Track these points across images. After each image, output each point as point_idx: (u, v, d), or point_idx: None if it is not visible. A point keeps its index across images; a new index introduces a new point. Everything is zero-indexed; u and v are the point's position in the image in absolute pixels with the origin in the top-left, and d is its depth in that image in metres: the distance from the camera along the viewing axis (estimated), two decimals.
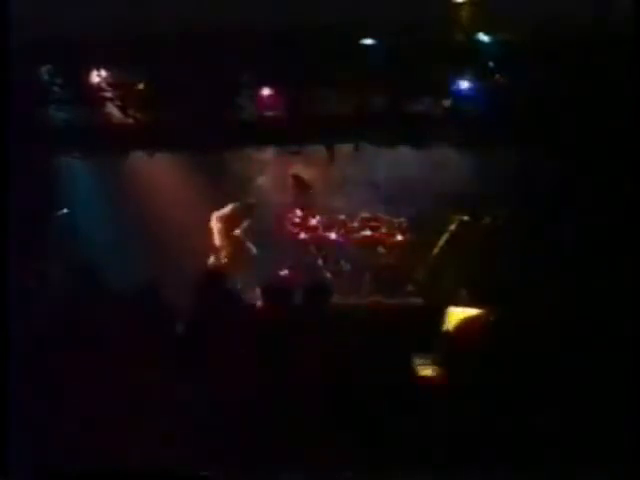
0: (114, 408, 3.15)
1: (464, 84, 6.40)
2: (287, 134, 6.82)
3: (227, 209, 7.92)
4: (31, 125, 5.93)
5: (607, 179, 5.92)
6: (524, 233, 6.56)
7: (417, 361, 5.64)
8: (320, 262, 8.29)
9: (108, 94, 6.47)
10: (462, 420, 3.13)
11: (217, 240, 7.78)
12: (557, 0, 5.58)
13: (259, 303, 4.25)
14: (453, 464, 2.95)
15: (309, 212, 8.55)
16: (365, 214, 8.48)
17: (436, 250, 6.98)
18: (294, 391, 3.29)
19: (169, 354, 3.51)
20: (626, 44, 5.33)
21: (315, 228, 8.48)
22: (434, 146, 6.95)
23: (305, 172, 8.47)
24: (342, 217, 8.58)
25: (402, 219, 8.38)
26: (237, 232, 7.94)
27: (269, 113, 6.62)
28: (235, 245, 7.86)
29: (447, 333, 5.08)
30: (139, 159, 7.32)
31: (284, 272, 7.80)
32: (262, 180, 8.65)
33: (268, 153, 7.97)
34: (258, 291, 4.57)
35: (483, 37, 6.08)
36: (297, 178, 8.59)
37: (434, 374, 5.44)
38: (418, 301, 7.36)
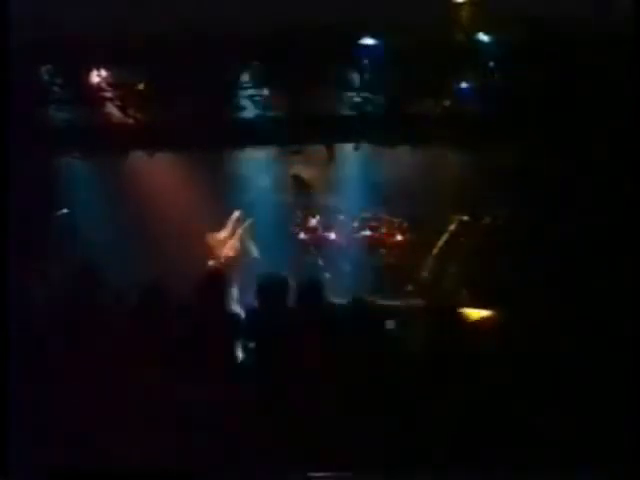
0: (114, 408, 3.15)
1: (464, 84, 6.41)
2: (287, 134, 6.83)
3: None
4: (31, 125, 5.93)
5: (607, 179, 5.93)
6: (524, 233, 6.56)
7: (416, 360, 5.65)
8: (320, 262, 8.30)
9: (108, 94, 6.48)
10: (462, 420, 3.13)
11: (219, 240, 7.73)
12: (557, 0, 5.58)
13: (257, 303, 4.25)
14: (453, 464, 2.95)
15: (309, 212, 8.56)
16: (365, 214, 8.49)
17: (436, 250, 6.97)
18: (294, 391, 3.29)
19: (169, 354, 3.51)
20: (626, 44, 5.33)
21: (315, 228, 8.49)
22: (434, 146, 6.96)
23: (305, 172, 8.48)
24: (342, 217, 8.59)
25: (402, 219, 8.39)
26: (239, 232, 7.92)
27: (269, 113, 6.63)
28: (236, 245, 7.84)
29: (447, 333, 5.08)
30: (139, 159, 7.32)
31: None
32: (262, 180, 8.66)
33: (268, 153, 7.97)
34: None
35: (483, 37, 6.08)
36: (297, 178, 8.59)
37: (434, 374, 5.45)
38: (418, 301, 7.36)
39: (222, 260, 7.61)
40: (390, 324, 3.94)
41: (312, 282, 4.03)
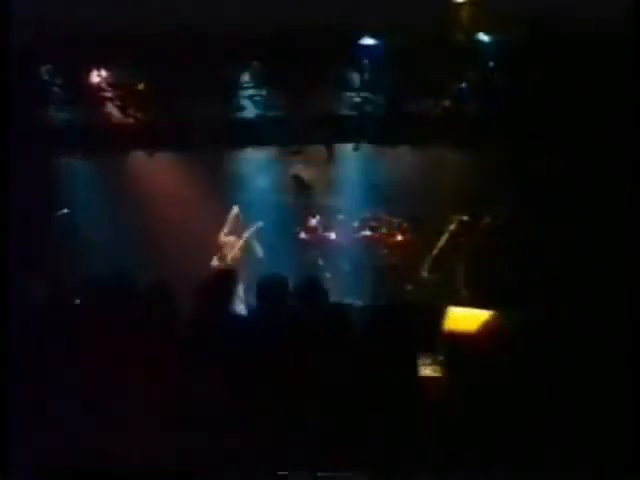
0: (114, 408, 3.15)
1: (464, 84, 6.41)
2: (287, 134, 6.84)
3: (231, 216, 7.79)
4: (31, 125, 5.94)
5: (607, 179, 5.93)
6: (524, 233, 6.56)
7: (417, 361, 5.65)
8: (320, 262, 8.30)
9: (108, 94, 6.48)
10: (462, 420, 3.12)
11: (225, 240, 7.67)
12: (557, 0, 5.58)
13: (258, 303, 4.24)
14: (453, 464, 2.95)
15: (309, 212, 8.56)
16: (365, 214, 8.49)
17: (436, 250, 6.97)
18: (293, 391, 3.29)
19: (170, 354, 3.51)
20: (626, 44, 5.33)
21: (315, 228, 8.49)
22: (434, 146, 6.96)
23: (305, 172, 8.48)
24: (342, 217, 8.60)
25: (402, 219, 8.39)
26: (246, 235, 7.87)
27: (269, 113, 6.63)
28: (243, 246, 7.80)
29: (447, 333, 5.08)
30: (139, 159, 7.32)
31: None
32: (262, 180, 8.66)
33: (268, 153, 7.97)
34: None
35: (483, 37, 6.09)
36: (297, 178, 8.60)
37: (434, 374, 5.45)
38: (418, 301, 7.36)
39: (227, 260, 7.57)
40: (390, 324, 3.93)
41: (312, 282, 4.03)
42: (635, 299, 3.99)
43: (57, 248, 7.00)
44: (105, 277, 3.85)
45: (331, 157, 7.13)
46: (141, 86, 6.44)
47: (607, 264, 5.60)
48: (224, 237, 7.66)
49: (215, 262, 7.51)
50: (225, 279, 4.05)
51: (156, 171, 7.85)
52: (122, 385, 3.17)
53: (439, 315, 5.65)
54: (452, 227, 6.95)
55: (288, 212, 8.57)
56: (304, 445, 3.08)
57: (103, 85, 6.43)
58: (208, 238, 7.69)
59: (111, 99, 6.49)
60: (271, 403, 3.23)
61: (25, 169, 5.01)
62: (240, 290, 6.61)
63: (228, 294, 3.96)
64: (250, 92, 6.49)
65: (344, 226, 8.53)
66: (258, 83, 6.48)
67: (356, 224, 8.49)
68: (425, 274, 7.29)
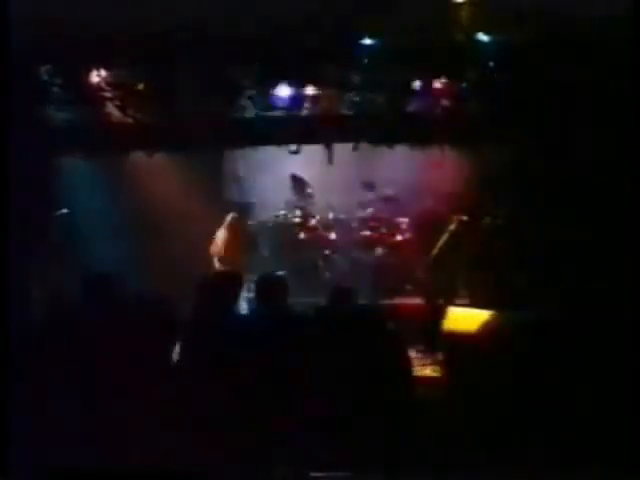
0: (114, 408, 3.15)
1: (464, 84, 6.41)
2: (287, 134, 6.83)
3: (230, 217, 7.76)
4: (31, 125, 5.93)
5: (607, 179, 5.92)
6: (524, 233, 6.56)
7: (417, 361, 5.66)
8: (320, 262, 8.30)
9: (108, 94, 6.47)
10: (462, 420, 3.13)
11: (226, 240, 7.64)
12: (557, 0, 5.58)
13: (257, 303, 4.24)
14: (453, 464, 2.95)
15: (309, 212, 8.56)
16: (365, 214, 8.49)
17: (436, 250, 6.97)
18: (293, 390, 3.29)
19: (170, 354, 3.51)
20: (626, 44, 5.33)
21: (315, 228, 8.49)
22: (434, 146, 6.95)
23: (304, 172, 8.48)
24: (342, 217, 8.60)
25: (402, 219, 8.39)
26: (243, 230, 7.85)
27: (269, 113, 6.63)
28: (246, 245, 7.78)
29: (447, 333, 5.08)
30: (139, 159, 7.32)
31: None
32: (262, 180, 8.66)
33: (267, 153, 7.96)
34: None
35: (483, 37, 6.08)
36: (296, 178, 8.60)
37: (434, 374, 5.46)
38: (418, 301, 7.37)
39: (229, 260, 7.52)
40: (390, 324, 3.93)
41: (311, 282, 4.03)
42: (635, 299, 3.99)
43: (57, 248, 7.00)
44: (105, 277, 3.85)
45: (330, 157, 7.12)
46: (141, 86, 6.43)
47: (607, 264, 5.60)
48: (225, 237, 7.66)
49: (216, 262, 7.51)
50: (230, 282, 4.06)
51: (156, 171, 7.85)
52: (122, 385, 3.17)
53: (439, 315, 5.66)
54: (452, 227, 6.94)
55: (288, 212, 8.57)
56: (304, 445, 3.08)
57: (103, 85, 6.41)
58: (208, 238, 7.69)
59: (111, 99, 6.48)
60: (271, 403, 3.23)
61: (25, 169, 5.01)
62: (244, 292, 6.62)
63: (233, 297, 3.96)
64: (250, 92, 6.48)
65: (344, 226, 8.53)
66: (258, 83, 6.47)
67: (356, 224, 8.50)
68: (425, 274, 7.29)
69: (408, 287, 7.92)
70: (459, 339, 4.37)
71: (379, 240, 8.33)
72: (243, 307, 6.43)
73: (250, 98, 6.49)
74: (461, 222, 6.93)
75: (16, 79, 4.33)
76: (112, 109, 6.55)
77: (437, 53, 6.19)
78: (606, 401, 2.96)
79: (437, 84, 6.44)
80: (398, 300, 7.57)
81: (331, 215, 8.56)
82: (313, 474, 2.96)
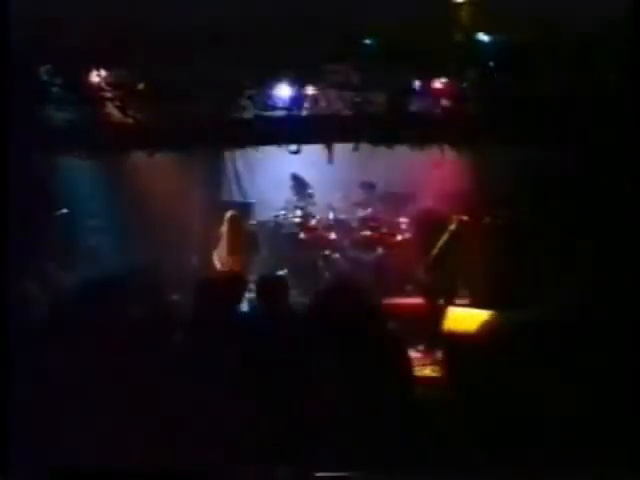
0: (114, 408, 3.15)
1: (464, 84, 6.41)
2: (287, 134, 6.83)
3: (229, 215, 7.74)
4: (31, 125, 5.93)
5: (607, 179, 5.93)
6: (524, 233, 6.56)
7: (417, 361, 5.66)
8: (320, 262, 8.30)
9: (108, 94, 6.47)
10: (462, 420, 3.13)
11: (227, 240, 7.62)
12: (557, 0, 5.58)
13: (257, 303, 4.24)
14: (453, 464, 2.95)
15: (309, 212, 8.56)
16: (365, 214, 8.49)
17: (436, 250, 6.97)
18: (293, 390, 3.29)
19: (171, 354, 3.51)
20: (626, 44, 5.34)
21: (315, 228, 8.49)
22: (434, 146, 6.95)
23: (305, 172, 8.48)
24: (342, 217, 8.60)
25: (402, 219, 8.40)
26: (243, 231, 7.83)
27: (269, 113, 6.63)
28: (248, 245, 7.77)
29: (447, 333, 5.09)
30: (139, 159, 7.32)
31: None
32: (262, 180, 8.66)
33: (267, 153, 7.96)
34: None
35: (483, 37, 6.08)
36: (296, 178, 8.60)
37: (434, 374, 5.46)
38: (418, 301, 7.37)
39: (230, 260, 7.51)
40: (390, 324, 3.93)
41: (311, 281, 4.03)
42: (636, 299, 3.99)
43: (57, 248, 7.00)
44: (105, 277, 3.85)
45: (330, 157, 7.12)
46: (141, 86, 6.43)
47: (607, 264, 5.60)
48: (224, 237, 7.65)
49: (216, 262, 7.51)
50: (233, 285, 4.06)
51: (156, 171, 7.85)
52: (122, 385, 3.17)
53: (439, 315, 5.66)
54: (452, 227, 6.95)
55: (288, 212, 8.57)
56: (304, 445, 3.08)
57: (103, 85, 6.41)
58: (208, 238, 7.69)
59: (111, 99, 6.48)
60: (271, 403, 3.23)
61: (25, 169, 5.02)
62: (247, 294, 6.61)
63: (235, 299, 3.97)
64: (250, 92, 6.48)
65: (344, 226, 8.53)
66: (258, 83, 6.48)
67: (356, 224, 8.50)
68: (425, 274, 7.29)
69: (408, 287, 7.92)
70: (459, 339, 4.37)
71: (379, 240, 8.34)
72: (243, 307, 6.43)
73: (250, 98, 6.48)
74: (461, 222, 6.93)
75: (16, 79, 4.33)
76: (112, 109, 6.55)
77: (437, 53, 6.18)
78: (606, 401, 2.96)
79: (437, 84, 6.42)
80: (398, 300, 7.57)
81: (331, 215, 8.56)
82: (313, 474, 2.96)
